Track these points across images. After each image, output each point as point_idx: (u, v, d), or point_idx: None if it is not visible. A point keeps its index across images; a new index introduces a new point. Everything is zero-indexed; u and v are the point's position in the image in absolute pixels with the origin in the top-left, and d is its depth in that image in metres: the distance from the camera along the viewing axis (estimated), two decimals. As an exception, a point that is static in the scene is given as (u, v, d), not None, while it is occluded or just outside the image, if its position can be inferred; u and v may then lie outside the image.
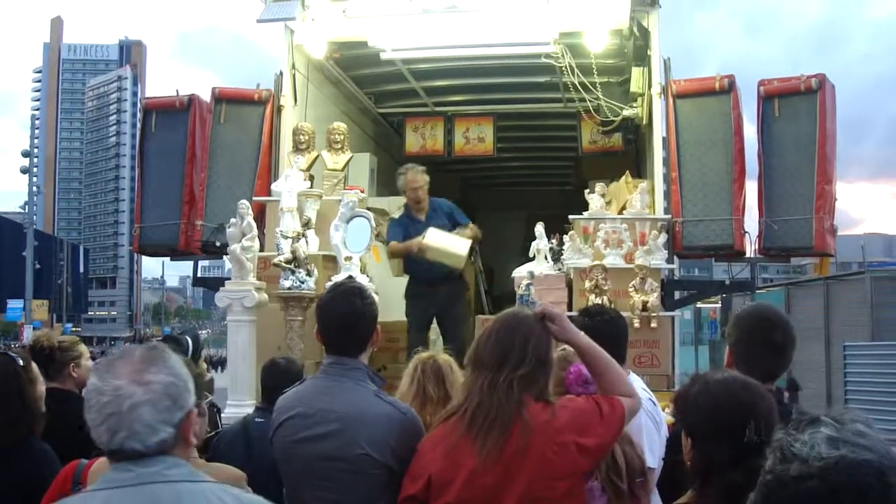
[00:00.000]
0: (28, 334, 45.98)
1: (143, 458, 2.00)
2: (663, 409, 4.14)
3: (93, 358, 4.81)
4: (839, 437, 1.44)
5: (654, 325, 6.87)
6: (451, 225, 8.07)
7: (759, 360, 3.38)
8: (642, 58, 8.56)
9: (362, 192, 8.29)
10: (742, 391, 2.54)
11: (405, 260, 8.26)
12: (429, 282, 7.96)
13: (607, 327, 3.94)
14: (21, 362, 3.84)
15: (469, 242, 7.91)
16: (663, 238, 7.37)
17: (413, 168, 8.32)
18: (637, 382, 4.13)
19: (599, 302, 6.75)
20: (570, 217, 7.89)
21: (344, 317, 3.39)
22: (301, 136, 8.17)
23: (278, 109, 8.61)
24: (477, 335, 3.22)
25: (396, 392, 3.75)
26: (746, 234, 7.83)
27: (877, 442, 1.45)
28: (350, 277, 5.86)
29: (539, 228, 7.80)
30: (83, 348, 4.96)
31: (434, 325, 8.10)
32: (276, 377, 4.66)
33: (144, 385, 2.01)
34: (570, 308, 7.21)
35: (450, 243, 7.79)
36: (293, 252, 6.78)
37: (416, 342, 7.00)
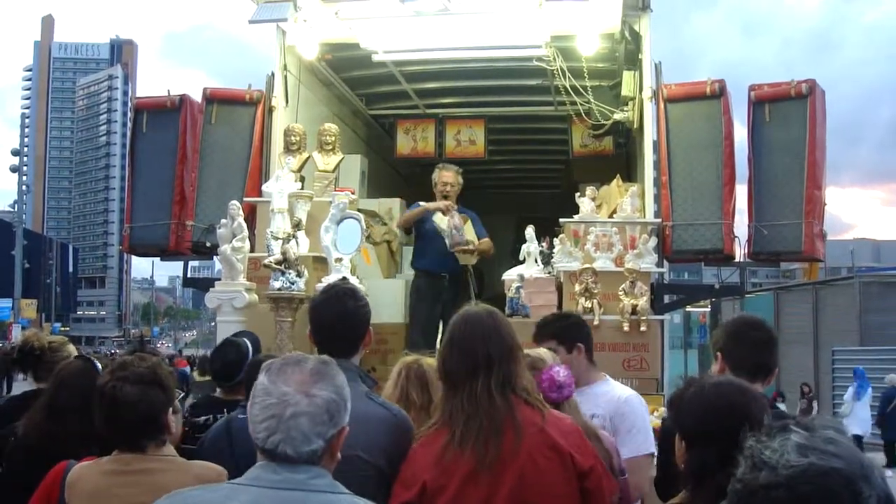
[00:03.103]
0: (16, 333, 45.87)
1: (292, 463, 2.15)
2: (652, 413, 4.20)
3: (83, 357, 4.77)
4: (808, 445, 1.43)
5: (643, 328, 6.87)
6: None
7: (747, 356, 3.55)
8: (633, 62, 8.58)
9: (353, 193, 8.29)
10: (736, 394, 2.55)
11: (415, 251, 8.44)
12: (435, 276, 8.02)
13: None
14: (100, 367, 3.82)
15: (475, 258, 8.26)
16: (653, 242, 7.38)
17: (448, 167, 8.64)
18: (624, 388, 4.24)
19: (589, 305, 6.79)
20: (561, 220, 7.87)
21: (337, 318, 3.40)
22: (292, 138, 8.16)
23: (269, 110, 8.59)
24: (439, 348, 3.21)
25: (381, 395, 3.75)
26: (736, 239, 7.85)
27: (847, 449, 1.44)
28: (343, 279, 5.86)
29: (529, 231, 7.80)
30: (72, 349, 4.94)
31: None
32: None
33: (310, 397, 2.16)
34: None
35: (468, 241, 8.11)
36: (283, 253, 6.76)
37: (420, 342, 6.96)
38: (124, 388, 3.00)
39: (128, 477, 2.93)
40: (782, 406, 17.61)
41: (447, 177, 8.41)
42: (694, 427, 2.55)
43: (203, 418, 4.52)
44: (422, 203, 8.57)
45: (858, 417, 17.68)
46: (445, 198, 8.29)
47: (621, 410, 4.11)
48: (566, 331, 4.26)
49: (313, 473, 2.17)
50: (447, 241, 7.96)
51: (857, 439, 16.43)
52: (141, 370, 3.08)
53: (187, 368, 28.42)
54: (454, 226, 7.93)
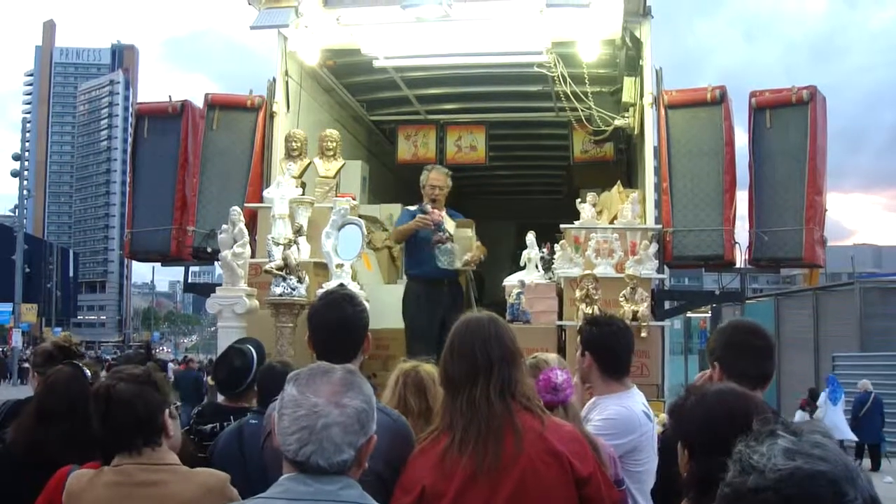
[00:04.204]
0: (17, 338, 45.93)
1: (323, 474, 2.16)
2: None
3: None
4: (795, 449, 1.45)
5: (644, 334, 6.85)
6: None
7: (751, 366, 3.48)
8: (634, 68, 8.59)
9: (354, 199, 8.29)
10: (737, 402, 2.55)
11: (409, 258, 8.25)
12: (434, 283, 7.90)
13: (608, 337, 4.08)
14: (89, 374, 3.82)
15: (467, 265, 7.96)
16: (654, 248, 7.38)
17: (439, 168, 8.41)
18: (639, 397, 4.19)
19: (590, 312, 6.76)
20: (562, 226, 7.88)
21: (335, 323, 3.39)
22: (293, 143, 8.16)
23: (271, 116, 8.60)
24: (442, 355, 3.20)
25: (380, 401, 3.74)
26: (737, 245, 7.87)
27: (833, 453, 1.46)
28: (341, 285, 5.84)
29: (530, 237, 7.80)
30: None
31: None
32: (272, 381, 4.58)
33: (341, 407, 2.18)
34: (560, 317, 7.23)
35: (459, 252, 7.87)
36: (284, 259, 6.77)
37: (420, 351, 6.83)
38: (119, 387, 2.99)
39: (131, 489, 2.89)
40: (803, 414, 17.66)
41: (436, 179, 8.09)
42: (696, 435, 2.54)
43: (209, 426, 4.50)
44: (409, 207, 8.44)
45: (834, 422, 17.70)
46: (434, 200, 8.02)
47: (597, 409, 4.03)
48: (582, 335, 4.25)
49: (343, 484, 2.19)
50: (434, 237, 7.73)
51: (839, 444, 16.40)
52: (135, 371, 3.08)
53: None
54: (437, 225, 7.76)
